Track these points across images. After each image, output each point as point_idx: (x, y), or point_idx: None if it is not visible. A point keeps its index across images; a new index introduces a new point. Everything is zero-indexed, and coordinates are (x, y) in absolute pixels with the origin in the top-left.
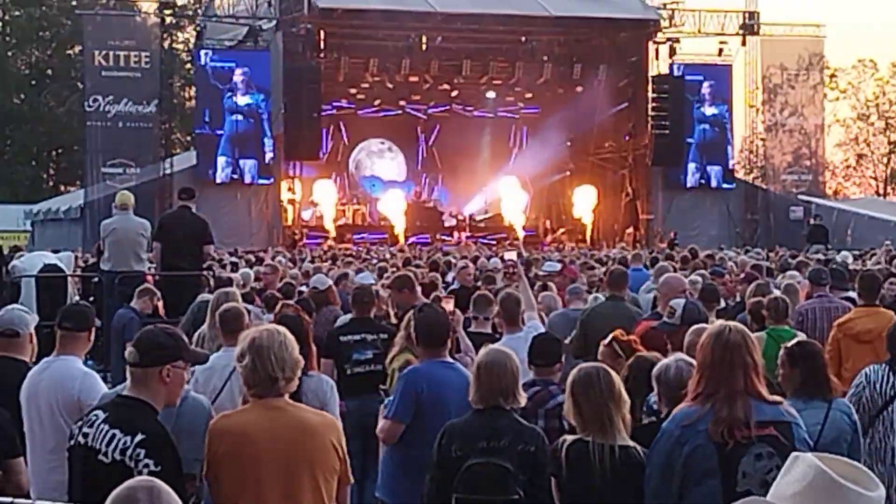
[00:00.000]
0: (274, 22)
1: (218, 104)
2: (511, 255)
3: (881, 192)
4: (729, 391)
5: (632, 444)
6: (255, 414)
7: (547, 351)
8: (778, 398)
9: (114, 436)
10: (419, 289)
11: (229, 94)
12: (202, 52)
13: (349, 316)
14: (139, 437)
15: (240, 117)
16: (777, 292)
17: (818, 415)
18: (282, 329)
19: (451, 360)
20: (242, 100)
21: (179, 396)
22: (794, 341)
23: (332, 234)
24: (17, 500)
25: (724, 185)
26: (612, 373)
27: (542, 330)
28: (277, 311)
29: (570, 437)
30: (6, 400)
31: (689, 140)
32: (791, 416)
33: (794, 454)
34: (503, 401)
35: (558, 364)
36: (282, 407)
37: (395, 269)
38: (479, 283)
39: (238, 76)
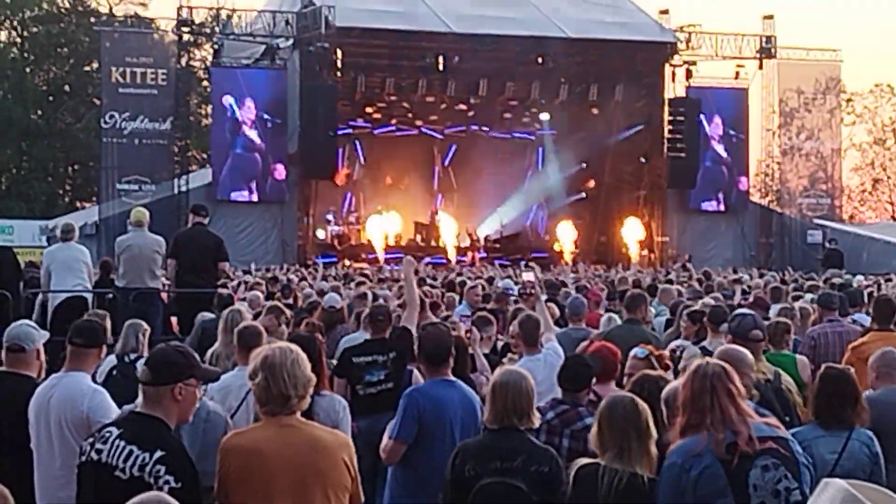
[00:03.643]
0: (291, 40)
1: (232, 137)
2: (529, 276)
3: None
4: (716, 419)
5: (641, 472)
6: (268, 431)
7: (578, 374)
8: (772, 420)
9: (131, 452)
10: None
11: (242, 128)
12: (217, 86)
13: (364, 336)
14: (158, 453)
15: (253, 154)
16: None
17: (836, 444)
18: (294, 347)
19: (452, 379)
20: (253, 134)
21: (192, 413)
22: (824, 366)
23: (381, 259)
24: None
25: (739, 209)
26: (641, 404)
27: (560, 353)
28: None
29: (585, 460)
30: (13, 416)
31: (704, 164)
32: (785, 433)
33: (824, 480)
34: (517, 421)
35: (587, 388)
36: (294, 424)
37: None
38: (490, 304)
39: (252, 110)
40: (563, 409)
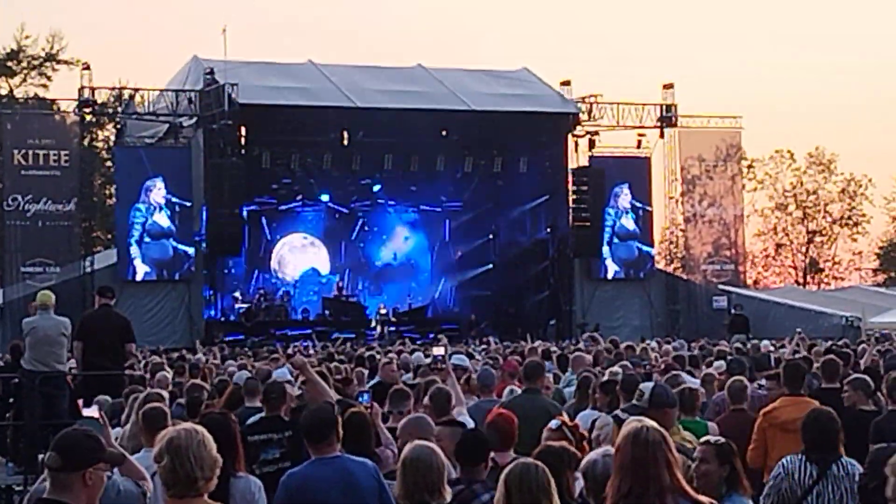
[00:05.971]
0: (194, 119)
1: (138, 220)
2: (439, 351)
3: (800, 280)
4: (657, 488)
5: None
6: None
7: (474, 448)
8: (703, 498)
9: None
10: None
11: (151, 210)
12: (121, 165)
13: (260, 414)
14: None
15: (161, 240)
16: (693, 381)
17: None
18: (199, 428)
19: (334, 456)
20: (162, 217)
21: (98, 497)
22: (718, 438)
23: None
24: None
25: (645, 277)
26: (547, 470)
27: (472, 425)
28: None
29: None
30: None
31: (609, 233)
32: None
33: None
34: (429, 497)
35: (485, 462)
36: None
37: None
38: (417, 378)
39: (162, 192)
40: (459, 490)
